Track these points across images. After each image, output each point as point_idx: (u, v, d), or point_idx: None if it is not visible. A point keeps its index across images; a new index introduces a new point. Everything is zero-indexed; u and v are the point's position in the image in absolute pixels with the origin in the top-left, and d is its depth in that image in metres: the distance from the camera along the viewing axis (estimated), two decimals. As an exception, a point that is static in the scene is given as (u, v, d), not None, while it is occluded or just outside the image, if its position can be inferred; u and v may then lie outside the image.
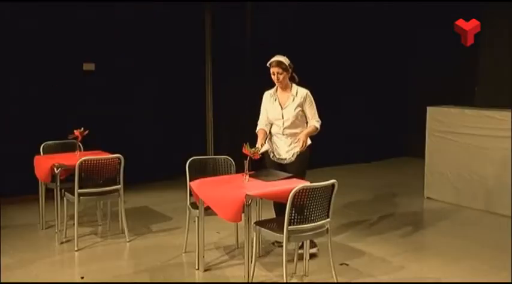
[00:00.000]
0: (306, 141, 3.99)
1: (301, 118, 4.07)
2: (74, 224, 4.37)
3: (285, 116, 4.08)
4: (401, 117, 8.34)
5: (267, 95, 4.18)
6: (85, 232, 4.76)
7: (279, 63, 4.01)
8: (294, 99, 4.07)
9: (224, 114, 7.31)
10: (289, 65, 4.03)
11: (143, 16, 6.57)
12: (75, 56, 6.34)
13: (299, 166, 4.02)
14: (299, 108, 4.05)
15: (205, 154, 6.99)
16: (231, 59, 7.04)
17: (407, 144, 8.25)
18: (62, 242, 4.45)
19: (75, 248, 4.30)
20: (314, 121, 4.05)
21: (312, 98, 4.11)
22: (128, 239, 4.53)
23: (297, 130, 4.07)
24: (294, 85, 4.11)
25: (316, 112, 4.09)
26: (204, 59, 7.11)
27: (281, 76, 4.03)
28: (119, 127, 6.58)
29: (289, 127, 4.08)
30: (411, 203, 5.80)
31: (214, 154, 6.98)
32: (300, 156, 4.05)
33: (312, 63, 6.71)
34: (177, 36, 6.86)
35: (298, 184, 3.27)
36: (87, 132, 4.70)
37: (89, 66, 6.45)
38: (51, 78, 6.18)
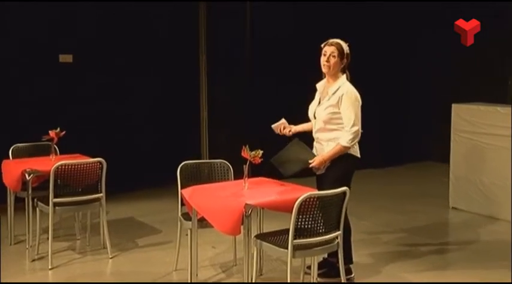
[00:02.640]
0: (323, 163, 3.75)
1: (339, 122, 3.76)
2: (48, 238, 4.39)
3: (317, 116, 3.84)
4: (422, 116, 8.39)
5: (319, 85, 3.89)
6: (61, 247, 4.78)
7: (336, 44, 3.75)
8: (331, 96, 3.77)
9: (221, 113, 7.34)
10: (347, 53, 3.76)
11: (134, 9, 6.63)
12: (51, 47, 6.37)
13: (331, 181, 3.68)
14: (332, 109, 3.75)
15: (199, 158, 7.02)
16: (228, 56, 7.13)
17: (428, 147, 8.30)
18: (33, 260, 4.47)
19: (49, 267, 4.32)
20: (344, 135, 3.70)
21: (353, 101, 3.71)
22: (110, 256, 4.55)
23: (331, 136, 3.78)
24: (341, 79, 3.78)
25: (352, 119, 3.68)
26: (198, 56, 7.15)
27: (332, 60, 3.73)
28: (101, 128, 6.63)
29: (320, 130, 3.83)
30: (433, 214, 5.83)
31: (209, 158, 6.98)
32: (334, 169, 3.78)
33: (317, 63, 6.84)
34: (169, 30, 6.94)
35: (304, 192, 3.30)
36: (63, 132, 4.72)
37: (66, 58, 6.48)
38: (22, 70, 6.22)
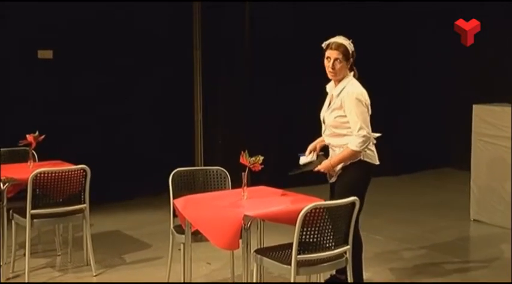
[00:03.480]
0: (329, 168, 3.79)
1: (348, 126, 3.76)
2: (24, 254, 4.39)
3: (326, 120, 3.86)
4: (439, 118, 8.43)
5: (328, 86, 3.89)
6: (39, 264, 4.78)
7: (339, 46, 3.74)
8: (335, 98, 3.79)
9: (217, 116, 7.36)
10: (352, 52, 3.78)
11: (125, 4, 6.70)
12: (29, 41, 6.38)
13: (341, 190, 3.73)
14: (337, 113, 3.77)
15: (194, 165, 7.06)
16: (225, 55, 7.19)
17: (446, 152, 8.32)
18: (8, 279, 4.47)
19: (27, 285, 4.32)
20: (353, 139, 3.70)
21: (356, 102, 3.71)
22: (94, 273, 4.56)
23: (343, 142, 3.78)
24: (347, 78, 3.79)
25: (357, 123, 3.69)
26: (192, 55, 7.19)
27: (338, 65, 3.75)
28: (84, 132, 6.65)
29: (331, 135, 3.84)
30: (453, 227, 5.84)
31: (204, 165, 7.02)
32: (344, 176, 3.81)
33: (319, 64, 6.94)
34: (160, 27, 6.99)
35: (309, 203, 3.31)
36: (43, 137, 4.73)
37: (45, 54, 6.50)
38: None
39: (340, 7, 7.12)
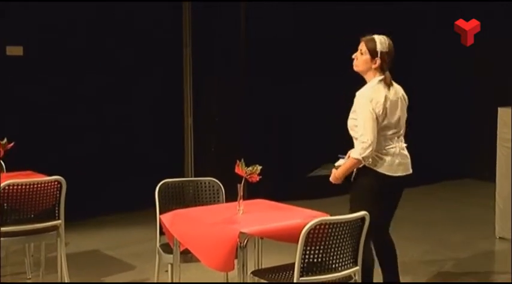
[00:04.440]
0: (336, 180, 4.01)
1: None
2: (-9, 277, 4.39)
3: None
4: (458, 123, 8.47)
5: None
6: (8, 288, 4.78)
7: (369, 40, 4.01)
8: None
9: (209, 120, 7.38)
10: (381, 51, 3.96)
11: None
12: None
13: (351, 203, 3.95)
14: (352, 114, 4.00)
15: (183, 176, 7.05)
16: (219, 57, 7.26)
17: (467, 161, 8.34)
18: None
19: (-6, 313, 4.31)
20: (357, 146, 3.90)
21: (362, 106, 3.89)
22: (70, 299, 4.55)
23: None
24: (372, 81, 3.98)
25: (361, 127, 3.87)
26: (182, 55, 7.25)
27: (360, 57, 4.01)
28: (58, 139, 6.65)
29: (354, 139, 4.02)
30: (476, 246, 5.85)
31: (195, 176, 7.03)
32: (353, 187, 3.99)
33: (320, 66, 7.21)
34: (146, 25, 7.06)
35: (313, 218, 3.32)
36: (12, 144, 4.73)
37: (14, 50, 6.50)
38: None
39: (338, 7, 7.29)
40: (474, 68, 8.20)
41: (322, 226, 3.25)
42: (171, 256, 3.84)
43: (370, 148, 3.86)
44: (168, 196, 4.20)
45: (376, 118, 3.89)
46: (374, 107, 3.90)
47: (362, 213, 3.40)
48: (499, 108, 5.92)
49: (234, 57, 7.28)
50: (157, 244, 4.09)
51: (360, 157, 3.88)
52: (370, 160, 3.91)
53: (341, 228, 3.32)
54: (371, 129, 3.87)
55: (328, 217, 3.35)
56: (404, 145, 4.10)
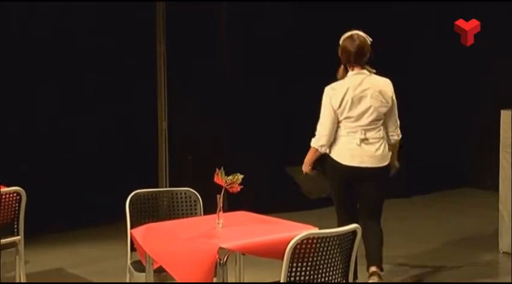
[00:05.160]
0: (304, 168, 4.96)
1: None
2: None
3: None
4: (456, 127, 8.49)
5: None
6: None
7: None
8: None
9: (186, 125, 7.37)
10: (341, 48, 4.74)
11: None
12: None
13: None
14: None
15: (157, 186, 7.04)
16: (196, 52, 7.27)
17: (466, 169, 8.36)
18: None
19: None
20: None
21: (324, 98, 4.77)
22: (31, 323, 4.52)
23: None
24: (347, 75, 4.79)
25: (320, 119, 4.79)
26: (155, 50, 7.23)
27: None
28: (19, 147, 6.61)
29: None
30: (478, 260, 5.86)
31: (170, 186, 7.00)
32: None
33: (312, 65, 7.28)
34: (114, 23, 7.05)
35: (300, 231, 3.33)
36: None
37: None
38: None
39: (336, 7, 7.44)
40: (475, 69, 8.27)
41: (310, 241, 3.24)
42: (143, 274, 3.83)
43: (323, 138, 4.71)
44: (140, 209, 4.19)
45: (334, 110, 4.67)
46: (331, 100, 4.68)
47: (353, 226, 3.41)
48: (501, 111, 5.94)
49: (215, 55, 7.28)
50: (128, 262, 4.07)
51: (314, 146, 4.76)
52: (328, 148, 4.74)
53: (330, 242, 3.31)
54: (325, 120, 4.71)
55: (316, 231, 3.36)
56: (376, 138, 4.73)
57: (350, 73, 4.71)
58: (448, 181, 8.41)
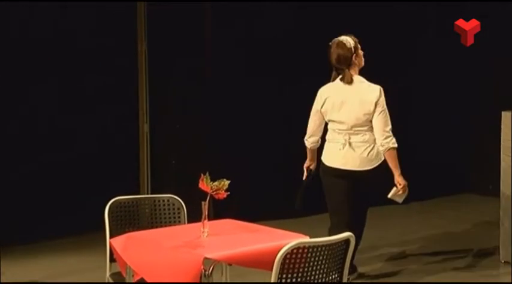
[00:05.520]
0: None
1: None
2: None
3: None
4: (455, 129, 8.53)
5: None
6: None
7: None
8: None
9: (169, 127, 7.35)
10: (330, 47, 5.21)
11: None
12: None
13: None
14: None
15: (138, 193, 7.03)
16: (181, 51, 7.28)
17: (466, 173, 8.39)
18: None
19: None
20: None
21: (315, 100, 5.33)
22: None
23: None
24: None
25: None
26: (136, 49, 7.24)
27: None
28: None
29: None
30: (478, 272, 5.87)
31: (152, 192, 6.98)
32: None
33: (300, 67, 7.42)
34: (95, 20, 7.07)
35: (289, 240, 3.31)
36: None
37: None
38: None
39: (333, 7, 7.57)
40: (475, 69, 8.33)
41: (300, 250, 3.23)
42: (124, 286, 3.82)
43: (308, 138, 5.32)
44: (120, 217, 4.17)
45: (318, 110, 5.19)
46: (317, 99, 5.21)
47: (346, 234, 3.40)
48: (502, 113, 5.96)
49: (201, 54, 7.29)
50: (107, 273, 4.05)
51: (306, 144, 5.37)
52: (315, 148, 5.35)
53: (322, 252, 3.30)
54: (311, 121, 5.29)
55: (306, 240, 3.35)
56: (361, 142, 5.10)
57: (338, 78, 5.16)
58: (447, 187, 8.44)
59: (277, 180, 7.44)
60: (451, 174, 8.44)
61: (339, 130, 5.13)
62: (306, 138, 5.35)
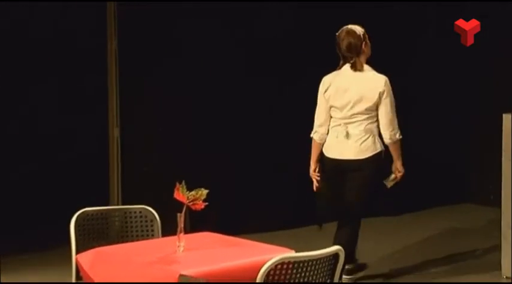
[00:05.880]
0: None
1: None
2: None
3: None
4: (458, 135, 8.58)
5: None
6: None
7: None
8: None
9: (142, 132, 7.37)
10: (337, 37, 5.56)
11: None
12: None
13: None
14: None
15: (107, 203, 7.00)
16: (155, 50, 7.31)
17: (465, 181, 8.43)
18: None
19: None
20: None
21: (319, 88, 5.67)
22: None
23: None
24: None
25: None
26: (106, 48, 7.25)
27: None
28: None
29: None
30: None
31: (123, 203, 6.96)
32: None
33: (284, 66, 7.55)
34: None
35: (273, 254, 3.31)
36: None
37: None
38: None
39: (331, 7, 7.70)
40: (475, 69, 8.46)
41: (285, 266, 3.24)
42: (92, 306, 3.82)
43: (315, 125, 5.58)
44: (88, 230, 4.17)
45: (324, 97, 5.51)
46: (322, 88, 5.54)
47: (335, 248, 3.42)
48: (503, 115, 5.98)
49: (175, 53, 7.30)
50: (74, 292, 4.05)
51: (311, 135, 5.59)
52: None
53: (308, 267, 3.31)
54: (317, 110, 5.59)
55: (291, 254, 3.37)
56: (357, 131, 5.44)
57: (345, 65, 5.50)
58: (446, 196, 8.47)
59: (262, 189, 7.44)
60: (450, 181, 8.47)
61: (340, 119, 5.49)
62: (314, 129, 5.60)
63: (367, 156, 5.49)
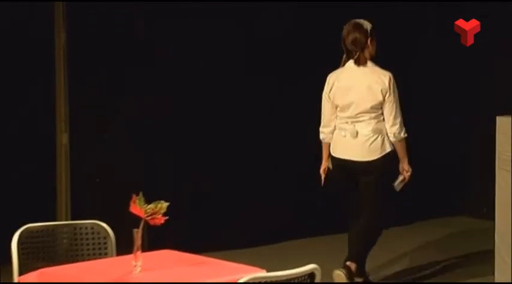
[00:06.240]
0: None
1: None
2: None
3: None
4: (446, 141, 8.76)
5: None
6: None
7: None
8: None
9: (94, 138, 7.33)
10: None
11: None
12: None
13: None
14: None
15: (55, 219, 6.95)
16: (107, 43, 7.35)
17: (458, 192, 8.54)
18: None
19: None
20: None
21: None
22: None
23: None
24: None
25: None
26: (53, 40, 7.24)
27: None
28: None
29: None
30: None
31: (71, 218, 6.92)
32: None
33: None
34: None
35: (242, 274, 3.31)
36: None
37: None
38: None
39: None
40: (475, 69, 8.74)
41: (256, 287, 3.25)
42: None
43: (323, 129, 5.97)
44: (32, 248, 4.14)
45: (329, 97, 5.89)
46: (327, 87, 5.91)
47: (310, 267, 3.41)
48: (497, 118, 6.00)
49: (130, 49, 7.32)
50: (16, 319, 4.01)
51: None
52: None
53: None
54: (323, 109, 5.97)
55: (262, 274, 3.36)
56: (366, 131, 5.79)
57: (349, 61, 5.88)
58: (439, 208, 8.62)
59: (232, 201, 7.44)
60: (441, 192, 8.60)
61: (346, 117, 5.86)
62: (320, 129, 6.03)
63: (375, 157, 5.82)
